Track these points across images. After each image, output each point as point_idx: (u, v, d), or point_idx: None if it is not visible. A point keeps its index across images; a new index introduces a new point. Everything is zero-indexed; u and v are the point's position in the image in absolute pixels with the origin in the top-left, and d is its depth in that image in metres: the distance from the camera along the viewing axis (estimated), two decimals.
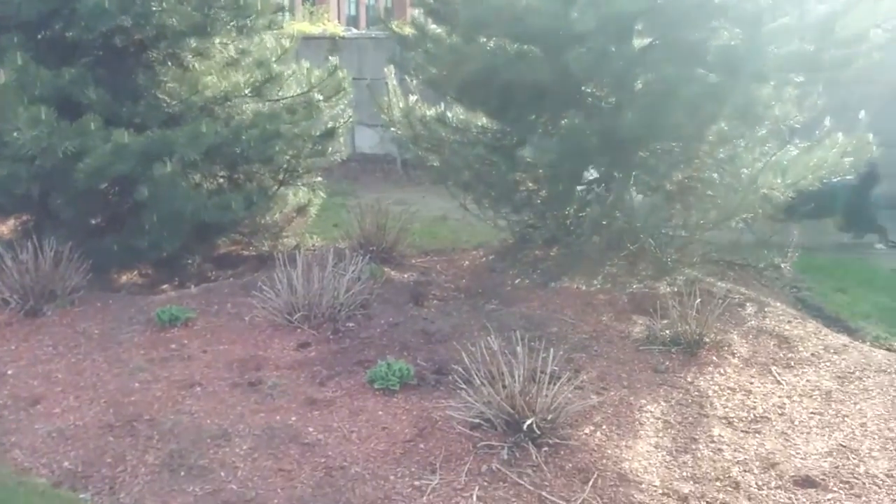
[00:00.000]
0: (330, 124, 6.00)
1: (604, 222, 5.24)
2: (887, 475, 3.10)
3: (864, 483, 3.05)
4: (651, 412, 3.59)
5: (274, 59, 5.89)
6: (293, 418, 3.47)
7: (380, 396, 3.66)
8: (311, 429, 3.39)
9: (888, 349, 4.36)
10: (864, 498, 2.96)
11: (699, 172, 5.61)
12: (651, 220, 5.16)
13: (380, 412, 3.53)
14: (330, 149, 5.99)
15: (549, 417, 3.32)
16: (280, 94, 5.90)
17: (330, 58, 6.30)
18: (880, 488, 3.02)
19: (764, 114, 5.25)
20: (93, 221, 5.57)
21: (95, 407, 3.65)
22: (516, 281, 5.20)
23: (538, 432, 3.25)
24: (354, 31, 11.04)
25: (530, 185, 5.89)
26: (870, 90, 6.56)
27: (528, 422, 3.22)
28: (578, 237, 5.46)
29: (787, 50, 4.89)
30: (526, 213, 5.84)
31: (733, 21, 4.98)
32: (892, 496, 2.97)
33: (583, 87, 5.46)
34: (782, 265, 5.16)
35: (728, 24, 5.01)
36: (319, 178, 6.10)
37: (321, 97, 5.96)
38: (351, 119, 6.22)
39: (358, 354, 4.06)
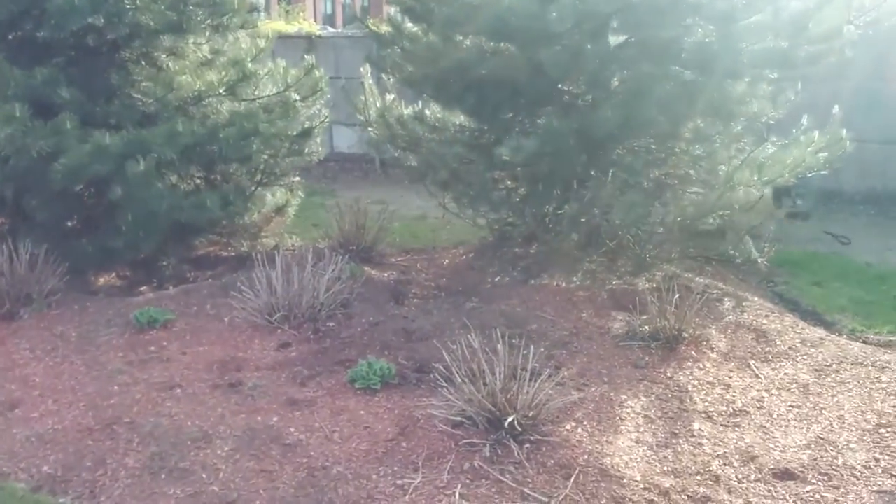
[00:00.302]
0: (307, 124, 5.97)
1: (582, 219, 5.28)
2: (865, 466, 3.15)
3: (842, 475, 3.10)
4: (631, 407, 3.62)
5: (249, 58, 5.84)
6: (274, 419, 3.45)
7: (361, 396, 3.65)
8: (292, 429, 3.37)
9: (864, 342, 4.43)
10: (842, 489, 3.01)
11: (676, 169, 5.66)
12: (629, 216, 5.20)
13: (361, 412, 3.52)
14: (307, 148, 5.96)
15: (530, 414, 3.33)
16: (256, 93, 5.85)
17: (306, 57, 6.27)
18: (858, 480, 3.07)
19: (738, 111, 5.31)
20: (69, 223, 5.49)
21: (74, 410, 3.59)
22: (496, 279, 5.22)
23: (519, 429, 3.25)
24: (331, 29, 10.99)
25: (509, 183, 5.91)
26: (842, 86, 6.68)
27: (510, 419, 3.23)
28: (557, 234, 5.49)
29: (760, 47, 4.94)
30: (505, 210, 5.85)
31: (707, 18, 5.02)
32: (869, 487, 3.02)
33: (559, 85, 5.48)
34: (759, 260, 5.23)
35: (702, 22, 5.06)
36: (297, 178, 6.07)
37: (297, 97, 5.93)
38: (328, 118, 6.18)
39: (339, 354, 4.04)
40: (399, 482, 3.03)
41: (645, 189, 5.42)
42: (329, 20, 19.26)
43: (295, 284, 4.39)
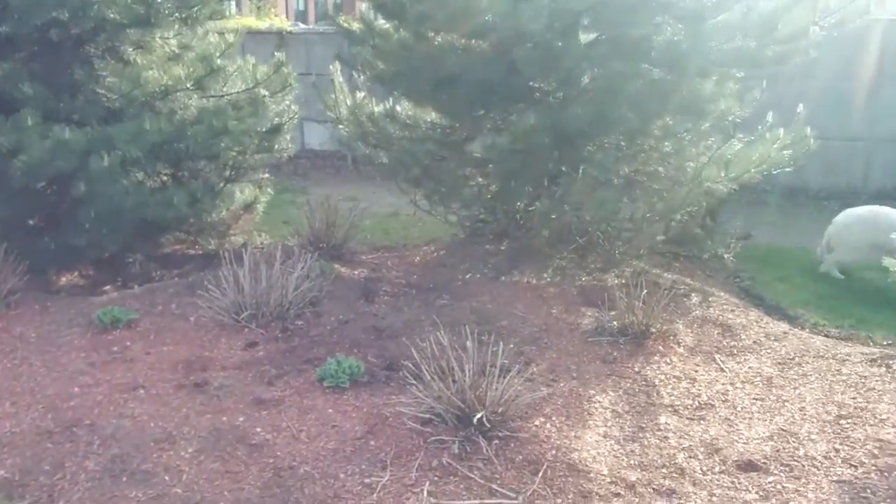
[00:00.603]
0: (276, 120, 5.92)
1: (553, 216, 5.30)
2: (825, 457, 3.20)
3: (803, 465, 3.15)
4: (600, 402, 3.64)
5: (218, 53, 5.76)
6: (240, 419, 3.41)
7: (329, 394, 3.62)
8: (258, 429, 3.33)
9: (826, 335, 4.51)
10: (803, 480, 3.05)
11: (645, 166, 5.71)
12: (599, 213, 5.23)
13: (329, 410, 3.49)
14: (277, 145, 5.90)
15: (499, 410, 3.33)
16: (224, 89, 5.78)
17: (276, 53, 6.20)
18: (819, 470, 3.12)
19: (707, 108, 5.37)
20: (30, 221, 5.37)
21: (33, 412, 3.51)
22: (467, 276, 5.21)
23: (488, 426, 3.25)
24: (302, 26, 10.89)
25: (480, 180, 5.91)
26: (808, 85, 6.79)
27: (478, 415, 3.23)
28: (528, 231, 5.51)
29: (729, 46, 5.00)
30: (476, 208, 5.86)
31: (676, 17, 5.07)
32: (829, 477, 3.07)
33: (531, 83, 5.49)
34: (725, 256, 5.30)
35: (671, 21, 5.10)
36: (266, 175, 6.00)
37: (267, 93, 5.87)
38: (297, 115, 6.13)
39: (307, 353, 4.01)
40: (367, 480, 3.00)
41: (615, 186, 5.46)
42: (302, 17, 19.09)
43: (263, 282, 4.35)
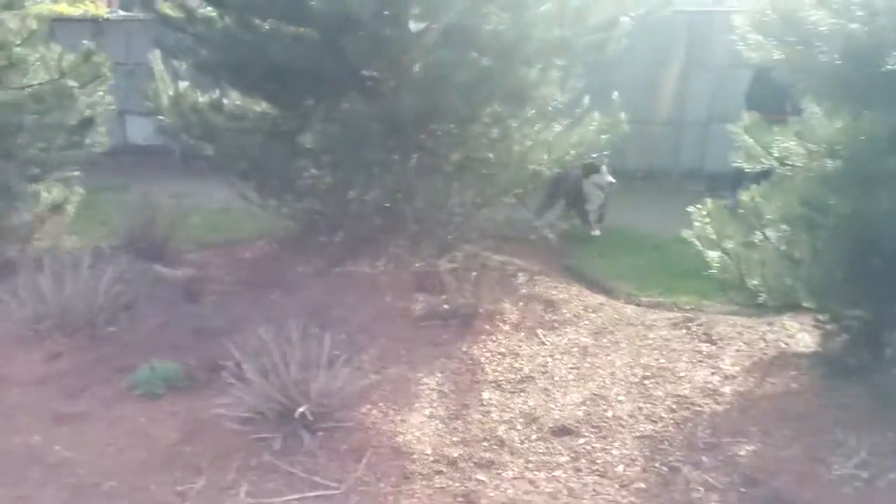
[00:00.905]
0: (87, 113, 5.47)
1: (386, 204, 5.31)
2: (630, 416, 3.45)
3: (610, 426, 3.37)
4: (427, 384, 3.70)
5: (18, 41, 5.24)
6: (36, 438, 3.13)
7: (143, 403, 3.41)
8: (57, 447, 3.07)
9: (637, 304, 4.85)
10: (609, 438, 3.27)
11: (475, 152, 5.85)
12: (431, 199, 5.31)
13: (141, 419, 3.29)
14: (88, 140, 5.46)
15: (324, 402, 3.29)
16: (25, 80, 5.27)
17: (85, 42, 5.73)
18: (624, 428, 3.35)
19: (532, 95, 5.60)
20: None
21: None
22: (300, 269, 5.11)
23: (312, 418, 3.20)
24: (122, 12, 10.15)
25: (314, 171, 5.80)
26: (624, 72, 7.25)
27: (301, 409, 3.17)
28: (362, 220, 5.49)
29: (550, 35, 5.22)
30: (310, 199, 5.74)
31: (501, 7, 5.22)
32: (633, 433, 3.31)
33: (362, 71, 5.45)
34: (550, 236, 5.57)
35: (497, 10, 5.25)
36: (77, 173, 5.53)
37: (75, 84, 5.41)
38: (112, 107, 5.71)
39: (119, 360, 3.75)
40: (179, 489, 2.86)
41: (446, 172, 5.56)
42: (126, 4, 17.80)
43: (68, 289, 4.01)
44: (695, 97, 8.08)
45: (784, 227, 3.50)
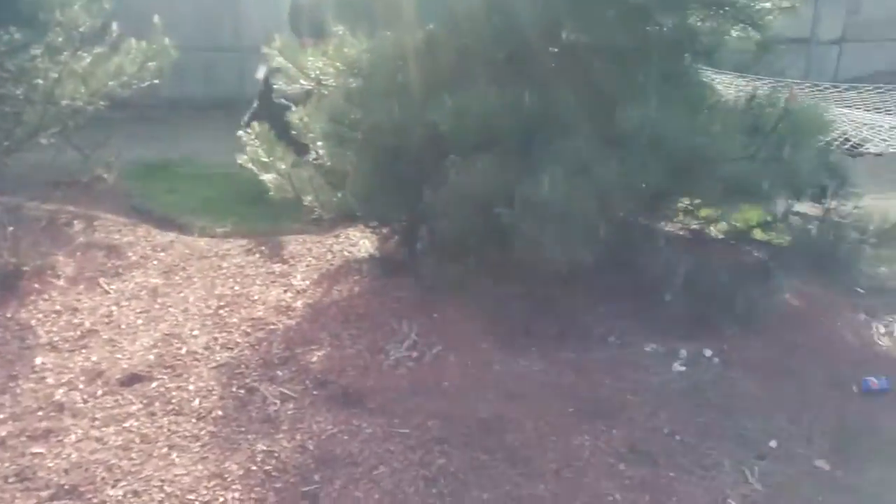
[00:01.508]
0: None
1: None
2: (206, 348, 3.43)
3: (185, 363, 3.31)
4: None
5: None
6: None
7: None
8: None
9: (211, 237, 4.76)
10: (185, 376, 3.21)
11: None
12: None
13: None
14: None
15: None
16: None
17: None
18: (199, 362, 3.32)
19: (52, 18, 4.90)
20: None
21: None
22: None
23: None
24: None
25: None
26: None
27: None
28: None
29: None
30: None
31: None
32: (209, 366, 3.30)
33: None
34: (106, 176, 5.09)
35: None
36: None
37: None
38: None
39: None
40: None
41: None
42: None
43: None
44: (249, 23, 8.02)
45: (320, 143, 3.76)
